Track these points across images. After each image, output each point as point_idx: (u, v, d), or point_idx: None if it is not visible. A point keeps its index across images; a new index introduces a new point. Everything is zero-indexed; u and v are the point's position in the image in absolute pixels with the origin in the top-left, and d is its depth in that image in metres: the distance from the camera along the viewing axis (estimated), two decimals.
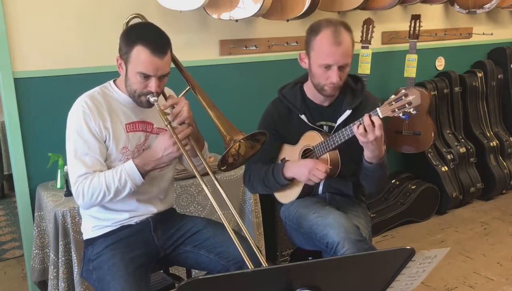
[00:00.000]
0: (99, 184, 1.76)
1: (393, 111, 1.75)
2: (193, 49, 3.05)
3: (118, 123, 1.84)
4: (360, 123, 1.80)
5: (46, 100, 2.63)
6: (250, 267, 1.65)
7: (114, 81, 1.91)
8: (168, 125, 1.75)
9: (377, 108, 1.78)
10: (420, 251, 1.23)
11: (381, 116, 1.78)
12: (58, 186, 2.55)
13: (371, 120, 1.78)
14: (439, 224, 3.77)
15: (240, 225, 1.72)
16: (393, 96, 1.75)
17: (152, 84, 1.75)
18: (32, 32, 2.58)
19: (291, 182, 2.09)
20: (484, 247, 3.36)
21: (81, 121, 1.78)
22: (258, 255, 1.67)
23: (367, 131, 1.78)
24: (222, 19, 2.90)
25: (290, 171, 2.03)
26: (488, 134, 4.22)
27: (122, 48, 1.77)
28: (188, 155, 1.76)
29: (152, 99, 1.77)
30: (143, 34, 1.75)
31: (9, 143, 2.66)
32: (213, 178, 1.77)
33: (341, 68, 1.92)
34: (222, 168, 1.81)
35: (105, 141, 1.82)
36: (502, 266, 3.10)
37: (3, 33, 2.50)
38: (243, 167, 2.22)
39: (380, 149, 1.87)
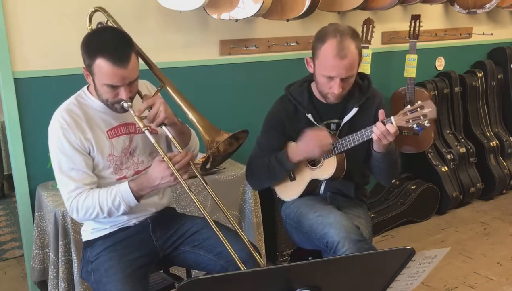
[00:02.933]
0: (93, 203, 1.75)
1: (407, 121, 1.76)
2: (193, 49, 3.05)
3: (99, 132, 1.81)
4: (372, 132, 1.82)
5: (46, 100, 2.62)
6: (242, 268, 1.65)
7: (87, 87, 1.87)
8: (165, 157, 1.70)
9: (391, 117, 1.79)
10: (420, 251, 1.23)
11: (394, 125, 1.79)
12: (58, 186, 2.55)
13: (387, 130, 1.79)
14: (439, 224, 3.77)
15: (236, 228, 1.71)
16: (408, 106, 1.77)
17: (122, 93, 1.71)
18: (32, 32, 2.58)
19: (296, 177, 2.09)
20: (484, 247, 3.35)
21: (61, 137, 1.75)
22: (255, 255, 1.68)
23: (381, 138, 1.81)
24: (222, 19, 2.90)
25: (297, 155, 2.00)
26: (488, 134, 4.22)
27: (84, 60, 1.72)
28: (186, 184, 1.71)
29: (126, 105, 1.73)
30: (102, 45, 1.67)
31: (9, 144, 2.66)
32: (202, 181, 1.79)
33: (344, 79, 1.91)
34: (207, 167, 1.81)
35: (89, 153, 1.80)
36: (502, 266, 3.10)
37: (3, 33, 2.50)
38: (243, 166, 2.22)
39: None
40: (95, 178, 1.81)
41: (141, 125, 1.74)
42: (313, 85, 2.11)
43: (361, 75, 2.12)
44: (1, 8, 2.48)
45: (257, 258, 1.75)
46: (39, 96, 2.63)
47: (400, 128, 1.81)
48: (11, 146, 2.62)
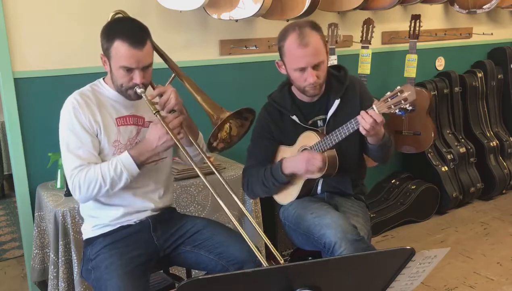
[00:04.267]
0: (95, 175, 1.77)
1: (389, 107, 1.77)
2: (193, 49, 3.05)
3: (108, 117, 1.86)
4: (358, 123, 1.82)
5: (46, 100, 2.63)
6: (264, 264, 1.64)
7: (103, 79, 1.94)
8: (158, 115, 1.76)
9: (373, 105, 1.80)
10: (420, 251, 1.23)
11: (377, 112, 1.79)
12: (58, 186, 2.55)
13: (372, 117, 1.79)
14: (439, 224, 3.77)
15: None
16: (388, 93, 1.78)
17: (137, 76, 1.78)
18: (32, 32, 2.58)
19: (291, 179, 2.09)
20: (484, 247, 3.36)
21: (71, 116, 1.80)
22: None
23: (370, 130, 1.81)
24: (222, 19, 2.90)
25: (288, 167, 2.03)
26: (488, 134, 4.22)
27: (103, 45, 1.80)
28: (181, 144, 1.77)
29: (139, 90, 1.80)
30: (121, 29, 1.78)
31: (9, 144, 2.66)
32: (214, 171, 1.80)
33: (315, 67, 1.94)
34: (219, 147, 1.87)
35: (97, 135, 1.84)
36: (502, 266, 3.10)
37: (3, 33, 2.50)
38: (243, 166, 2.22)
39: (379, 134, 1.90)
40: (100, 160, 1.84)
41: (152, 109, 1.79)
42: (293, 88, 2.12)
43: (337, 67, 2.14)
44: (1, 8, 2.48)
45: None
46: (39, 96, 2.63)
47: (385, 116, 1.82)
48: (11, 146, 2.62)
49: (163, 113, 1.82)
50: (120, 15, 2.04)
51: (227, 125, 1.84)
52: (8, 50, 2.53)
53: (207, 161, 1.84)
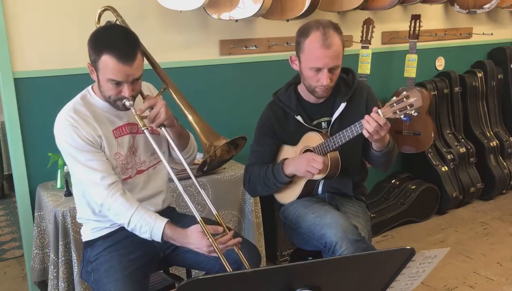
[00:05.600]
0: (125, 214, 1.74)
1: (394, 113, 1.75)
2: (193, 49, 3.05)
3: (106, 130, 1.82)
4: (362, 126, 1.81)
5: (46, 100, 2.63)
6: (228, 270, 1.65)
7: (92, 87, 1.88)
8: (210, 239, 1.66)
9: (379, 110, 1.78)
10: (420, 251, 1.23)
11: (382, 116, 1.78)
12: (58, 186, 2.55)
13: (377, 122, 1.77)
14: (439, 224, 3.77)
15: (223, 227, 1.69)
16: (394, 98, 1.76)
17: (125, 90, 1.72)
18: (32, 32, 2.58)
19: (292, 179, 2.09)
20: (484, 247, 3.35)
21: (72, 135, 1.75)
22: (241, 258, 1.68)
23: (374, 133, 1.79)
24: (222, 19, 2.90)
25: (289, 167, 2.03)
26: (488, 134, 4.22)
27: (90, 56, 1.73)
28: (223, 257, 1.67)
29: (128, 103, 1.75)
30: (109, 42, 1.69)
31: (9, 144, 2.66)
32: (195, 182, 1.78)
33: (331, 70, 1.93)
34: (204, 169, 1.84)
35: (101, 148, 1.80)
36: (502, 266, 3.10)
37: (3, 33, 2.50)
38: (243, 166, 2.22)
39: (385, 140, 1.90)
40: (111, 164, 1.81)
41: (141, 125, 1.75)
42: (299, 87, 2.11)
43: (345, 70, 2.13)
44: (1, 8, 2.48)
45: (244, 263, 1.73)
46: (39, 96, 2.63)
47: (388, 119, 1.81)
48: (11, 146, 2.62)
49: (153, 126, 1.78)
50: (108, 11, 1.98)
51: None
52: (8, 50, 2.53)
53: (192, 177, 1.78)
